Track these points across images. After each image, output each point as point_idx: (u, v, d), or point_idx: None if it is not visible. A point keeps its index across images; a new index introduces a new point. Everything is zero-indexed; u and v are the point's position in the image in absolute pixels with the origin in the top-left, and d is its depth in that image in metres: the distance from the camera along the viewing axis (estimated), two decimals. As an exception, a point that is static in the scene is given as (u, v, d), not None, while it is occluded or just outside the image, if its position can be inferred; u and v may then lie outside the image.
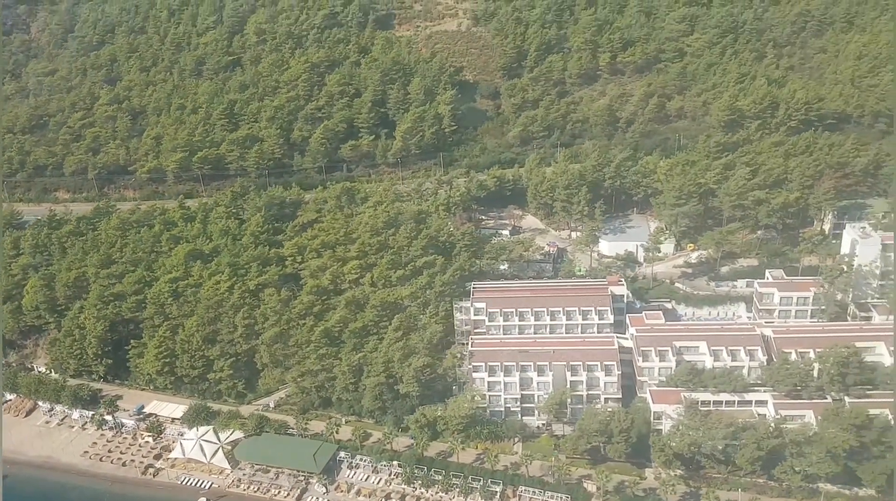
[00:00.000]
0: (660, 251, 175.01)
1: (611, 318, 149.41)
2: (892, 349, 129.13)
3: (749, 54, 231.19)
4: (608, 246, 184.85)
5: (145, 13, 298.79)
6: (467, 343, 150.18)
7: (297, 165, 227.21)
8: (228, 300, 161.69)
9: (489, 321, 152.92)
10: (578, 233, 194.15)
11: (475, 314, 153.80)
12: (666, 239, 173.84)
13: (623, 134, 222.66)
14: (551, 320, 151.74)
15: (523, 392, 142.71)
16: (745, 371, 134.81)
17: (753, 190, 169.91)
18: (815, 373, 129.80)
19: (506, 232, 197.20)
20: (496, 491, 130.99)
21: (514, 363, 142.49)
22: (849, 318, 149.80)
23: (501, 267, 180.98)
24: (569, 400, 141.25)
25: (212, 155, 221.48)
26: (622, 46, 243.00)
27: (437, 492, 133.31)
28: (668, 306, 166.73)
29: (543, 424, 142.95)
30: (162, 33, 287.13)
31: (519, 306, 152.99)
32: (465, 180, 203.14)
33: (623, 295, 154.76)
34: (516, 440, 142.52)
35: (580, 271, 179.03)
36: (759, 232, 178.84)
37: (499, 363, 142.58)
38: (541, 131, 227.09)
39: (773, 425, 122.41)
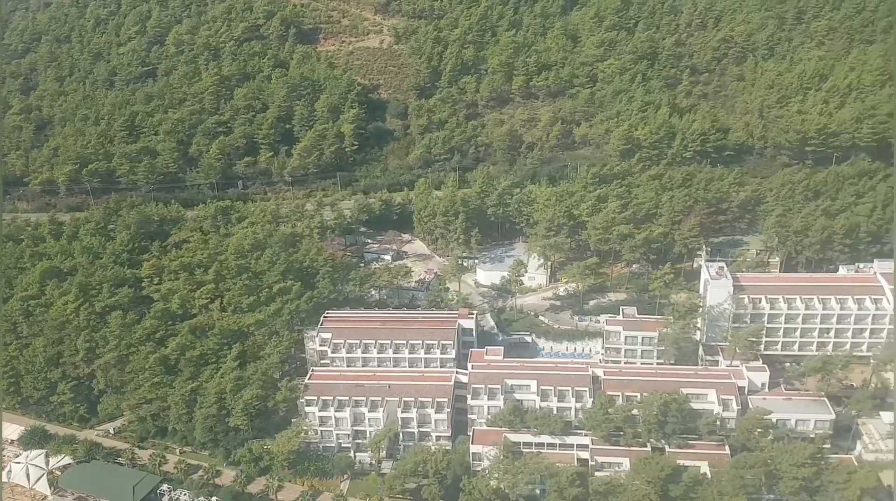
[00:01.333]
0: (521, 283, 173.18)
1: (452, 353, 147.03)
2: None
3: (659, 82, 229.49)
4: (485, 275, 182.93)
5: (73, 23, 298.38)
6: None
7: (190, 180, 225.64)
8: (74, 321, 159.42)
9: (332, 353, 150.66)
10: (462, 261, 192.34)
11: (320, 345, 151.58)
12: (525, 272, 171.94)
13: (524, 160, 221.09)
14: (395, 353, 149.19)
15: (356, 428, 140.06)
16: (571, 413, 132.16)
17: (620, 224, 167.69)
18: (640, 419, 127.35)
19: (388, 257, 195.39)
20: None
21: (348, 398, 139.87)
22: (700, 361, 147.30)
23: (374, 294, 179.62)
24: (400, 437, 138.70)
25: (102, 168, 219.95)
26: (538, 70, 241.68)
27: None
28: (528, 339, 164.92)
29: (376, 461, 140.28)
30: (84, 43, 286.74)
31: (364, 337, 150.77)
32: (353, 203, 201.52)
33: (472, 329, 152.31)
34: (345, 477, 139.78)
35: (450, 299, 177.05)
36: (633, 266, 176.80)
37: (332, 397, 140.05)
38: (442, 154, 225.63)
39: (574, 473, 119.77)
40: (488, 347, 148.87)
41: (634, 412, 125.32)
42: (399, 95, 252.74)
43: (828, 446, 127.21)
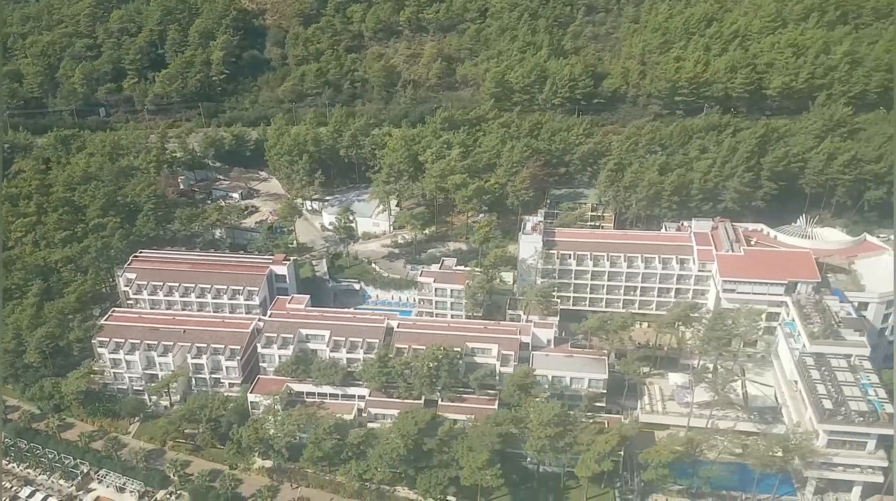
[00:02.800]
0: (352, 230, 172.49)
1: (257, 299, 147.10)
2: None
3: (549, 20, 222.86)
4: (331, 219, 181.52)
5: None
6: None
7: (52, 106, 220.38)
8: None
9: (135, 294, 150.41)
10: (313, 202, 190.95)
11: (125, 285, 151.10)
12: (353, 219, 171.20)
13: (400, 98, 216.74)
14: (198, 297, 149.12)
15: (148, 372, 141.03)
16: (360, 365, 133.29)
17: (458, 173, 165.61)
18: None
19: (236, 195, 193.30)
20: (80, 472, 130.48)
21: (140, 341, 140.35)
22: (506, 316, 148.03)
23: (216, 233, 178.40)
24: (193, 383, 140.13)
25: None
26: (429, 1, 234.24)
27: (25, 468, 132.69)
28: (357, 286, 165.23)
29: (170, 405, 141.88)
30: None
31: (168, 280, 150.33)
32: (203, 136, 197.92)
33: (285, 275, 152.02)
34: (136, 419, 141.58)
35: (292, 242, 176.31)
36: (480, 216, 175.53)
37: (124, 340, 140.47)
38: (314, 88, 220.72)
39: (333, 424, 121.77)
40: (295, 295, 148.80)
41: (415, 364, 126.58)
42: (284, 21, 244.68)
43: (602, 404, 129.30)
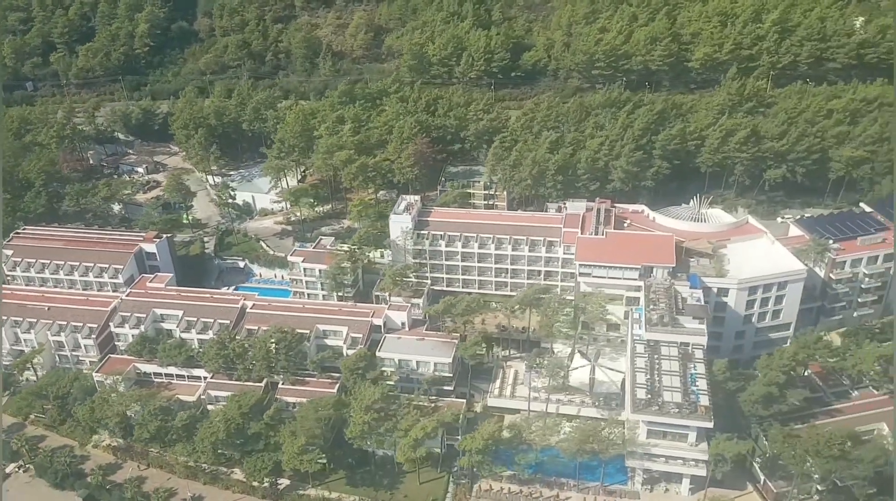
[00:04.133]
0: (231, 207, 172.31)
1: (121, 278, 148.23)
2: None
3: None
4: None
5: None
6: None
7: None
8: None
9: (10, 271, 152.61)
10: (217, 177, 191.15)
11: (3, 262, 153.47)
12: (236, 192, 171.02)
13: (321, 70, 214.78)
14: (67, 274, 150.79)
15: (15, 348, 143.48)
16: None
17: (348, 148, 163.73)
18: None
19: (141, 170, 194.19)
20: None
21: (6, 318, 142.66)
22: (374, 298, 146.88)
23: (115, 209, 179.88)
24: (56, 360, 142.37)
25: None
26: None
27: None
28: (241, 264, 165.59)
29: (36, 380, 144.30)
30: None
31: (42, 257, 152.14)
32: (110, 110, 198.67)
33: (155, 253, 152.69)
34: (5, 394, 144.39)
35: (187, 218, 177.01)
36: (380, 193, 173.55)
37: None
38: (235, 59, 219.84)
39: (159, 406, 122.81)
40: (158, 274, 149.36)
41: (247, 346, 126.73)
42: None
43: (450, 388, 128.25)
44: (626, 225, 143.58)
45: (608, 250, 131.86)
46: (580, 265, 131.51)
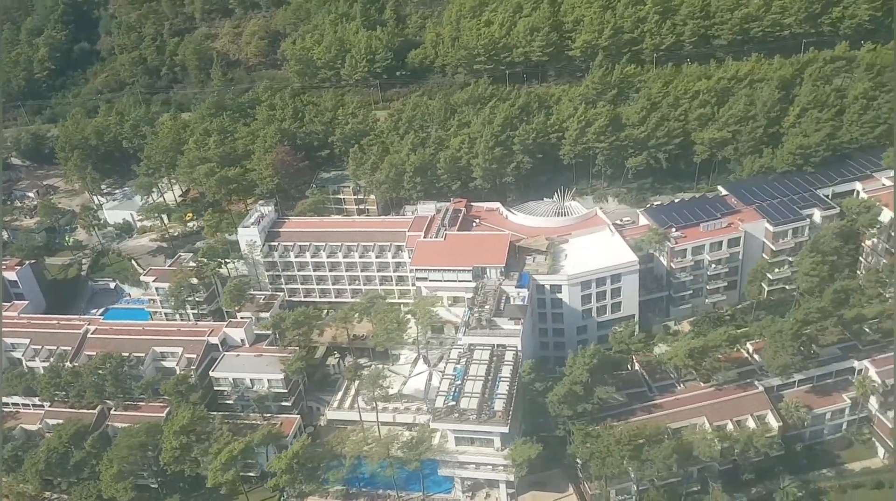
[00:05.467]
0: (96, 226, 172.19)
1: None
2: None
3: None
4: (110, 214, 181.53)
5: None
6: None
7: None
8: None
9: None
10: (104, 198, 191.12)
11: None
12: (113, 211, 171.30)
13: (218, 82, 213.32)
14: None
15: None
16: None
17: (210, 161, 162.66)
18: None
19: (31, 194, 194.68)
20: None
21: None
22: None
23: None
24: None
25: None
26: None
27: None
28: (112, 285, 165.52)
29: None
30: None
31: None
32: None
33: (17, 281, 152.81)
34: None
35: (69, 241, 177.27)
36: (260, 203, 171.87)
37: None
38: (131, 76, 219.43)
39: None
40: (16, 301, 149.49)
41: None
42: (122, 9, 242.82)
43: (287, 404, 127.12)
44: (475, 224, 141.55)
45: (445, 252, 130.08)
46: (416, 270, 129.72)
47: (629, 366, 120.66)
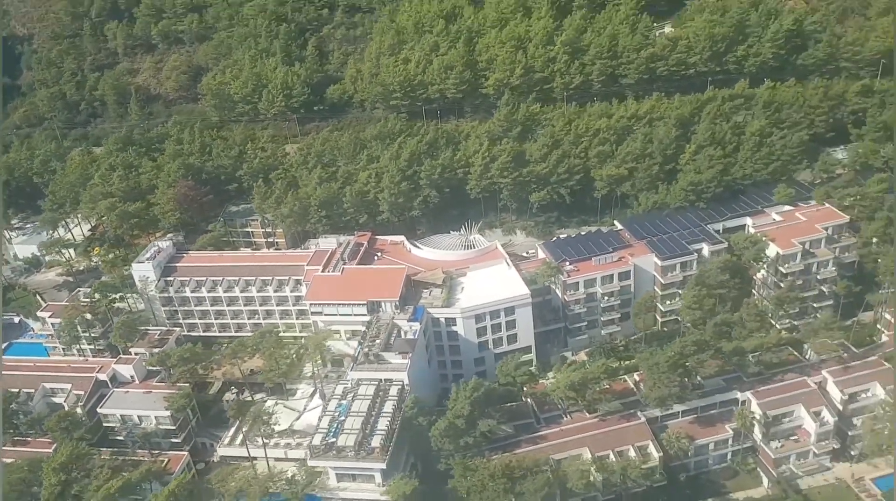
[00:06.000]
0: (10, 258, 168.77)
1: None
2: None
3: (294, 25, 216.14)
4: (20, 248, 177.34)
5: None
6: None
7: None
8: None
9: None
10: (14, 233, 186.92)
11: None
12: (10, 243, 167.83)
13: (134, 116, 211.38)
14: None
15: None
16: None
17: (112, 197, 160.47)
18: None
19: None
20: None
21: None
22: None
23: None
24: None
25: None
26: (185, 11, 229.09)
27: None
28: (16, 320, 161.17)
29: None
30: None
31: None
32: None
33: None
34: None
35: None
36: (169, 235, 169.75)
37: None
38: (49, 111, 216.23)
39: None
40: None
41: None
42: (45, 45, 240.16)
43: (178, 441, 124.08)
44: (376, 258, 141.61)
45: (341, 286, 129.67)
46: (311, 304, 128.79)
47: (523, 397, 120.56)
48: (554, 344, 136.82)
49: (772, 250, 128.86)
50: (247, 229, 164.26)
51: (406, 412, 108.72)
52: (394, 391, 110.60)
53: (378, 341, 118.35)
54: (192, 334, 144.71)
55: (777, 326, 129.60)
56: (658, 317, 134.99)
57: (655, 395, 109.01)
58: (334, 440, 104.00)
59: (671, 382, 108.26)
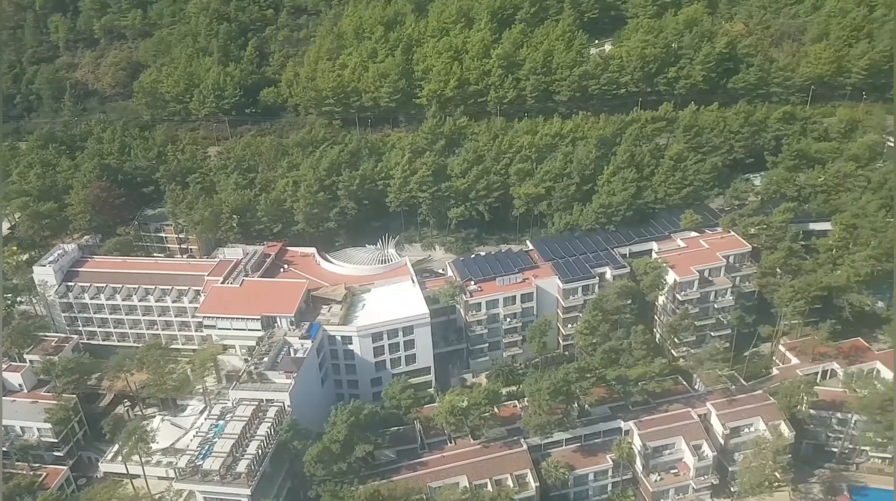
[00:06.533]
0: None
1: None
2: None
3: (235, 25, 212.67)
4: None
5: None
6: None
7: None
8: None
9: None
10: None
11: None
12: None
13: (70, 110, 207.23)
14: None
15: None
16: None
17: (21, 196, 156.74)
18: None
19: None
20: None
21: None
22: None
23: None
24: None
25: None
26: (131, 7, 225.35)
27: None
28: None
29: None
30: None
31: None
32: None
33: None
34: None
35: None
36: (86, 237, 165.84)
37: None
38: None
39: None
40: None
41: None
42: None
43: (60, 454, 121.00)
44: (282, 270, 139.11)
45: (238, 299, 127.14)
46: (205, 317, 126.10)
47: (415, 421, 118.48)
48: (456, 365, 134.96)
49: (672, 277, 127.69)
50: (161, 235, 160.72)
51: (282, 435, 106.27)
52: (272, 412, 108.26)
53: (266, 359, 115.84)
54: (92, 342, 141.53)
55: (675, 353, 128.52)
56: (560, 341, 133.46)
57: (535, 422, 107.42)
58: (201, 462, 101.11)
59: (552, 409, 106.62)
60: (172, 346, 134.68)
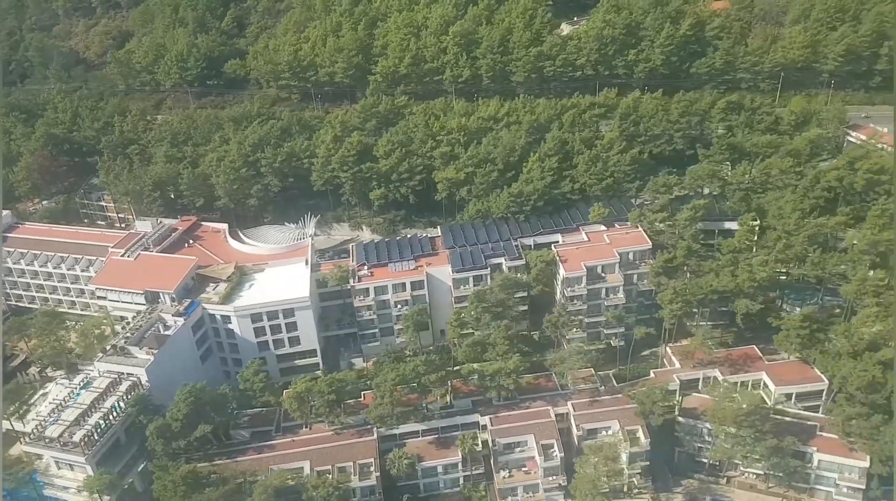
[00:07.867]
0: None
1: None
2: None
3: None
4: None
5: None
6: None
7: None
8: None
9: None
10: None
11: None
12: None
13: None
14: None
15: None
16: None
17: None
18: None
19: None
20: None
21: None
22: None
23: None
24: None
25: None
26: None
27: None
28: None
29: None
30: None
31: None
32: None
33: None
34: None
35: None
36: (42, 203, 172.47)
37: None
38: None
39: None
40: None
41: None
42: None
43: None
44: (187, 245, 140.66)
45: (130, 273, 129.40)
46: (97, 288, 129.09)
47: (280, 403, 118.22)
48: (349, 349, 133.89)
49: (563, 271, 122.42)
50: (101, 204, 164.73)
51: (129, 409, 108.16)
52: (125, 386, 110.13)
53: (137, 333, 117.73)
54: (21, 305, 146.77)
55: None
56: (460, 329, 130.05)
57: (376, 413, 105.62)
58: (46, 429, 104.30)
59: (402, 400, 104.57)
60: (78, 313, 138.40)
